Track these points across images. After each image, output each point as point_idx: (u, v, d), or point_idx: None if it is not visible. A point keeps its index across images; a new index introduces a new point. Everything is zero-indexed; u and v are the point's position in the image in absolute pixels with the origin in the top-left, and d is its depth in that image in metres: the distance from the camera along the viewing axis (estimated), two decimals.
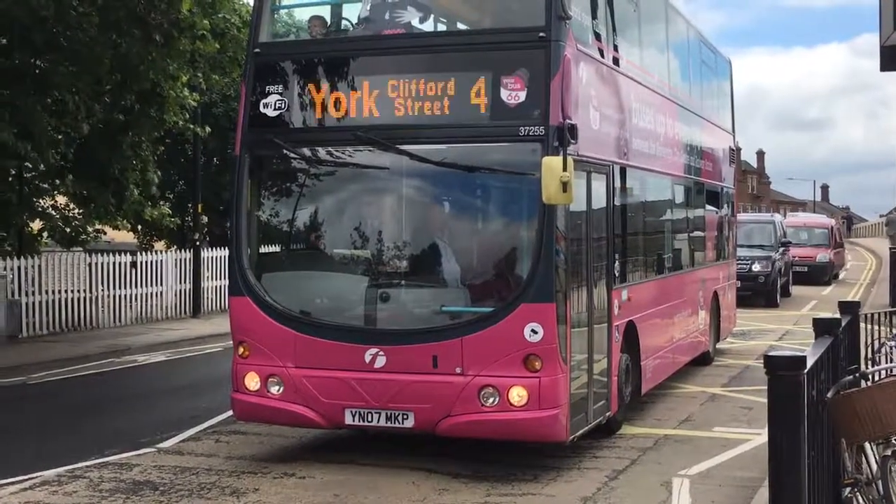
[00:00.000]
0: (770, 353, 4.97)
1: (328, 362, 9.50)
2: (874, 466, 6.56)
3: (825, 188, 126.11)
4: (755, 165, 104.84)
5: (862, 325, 9.50)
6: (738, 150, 41.63)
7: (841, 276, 37.87)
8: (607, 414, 10.55)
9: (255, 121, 10.08)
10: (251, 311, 9.85)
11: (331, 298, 10.10)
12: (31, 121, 18.52)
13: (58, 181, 22.14)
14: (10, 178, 21.06)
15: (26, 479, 9.34)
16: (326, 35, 10.60)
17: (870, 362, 9.83)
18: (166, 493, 8.87)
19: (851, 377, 7.02)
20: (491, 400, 9.10)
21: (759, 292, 26.51)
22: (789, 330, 21.10)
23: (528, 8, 9.70)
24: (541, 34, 9.26)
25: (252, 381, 9.84)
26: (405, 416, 9.34)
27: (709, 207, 16.65)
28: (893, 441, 6.49)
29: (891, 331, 10.62)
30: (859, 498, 6.93)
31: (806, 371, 5.07)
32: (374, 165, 9.90)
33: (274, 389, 9.75)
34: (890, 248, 29.77)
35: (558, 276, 9.15)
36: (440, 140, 9.58)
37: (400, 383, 9.28)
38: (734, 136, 19.40)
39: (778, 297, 27.63)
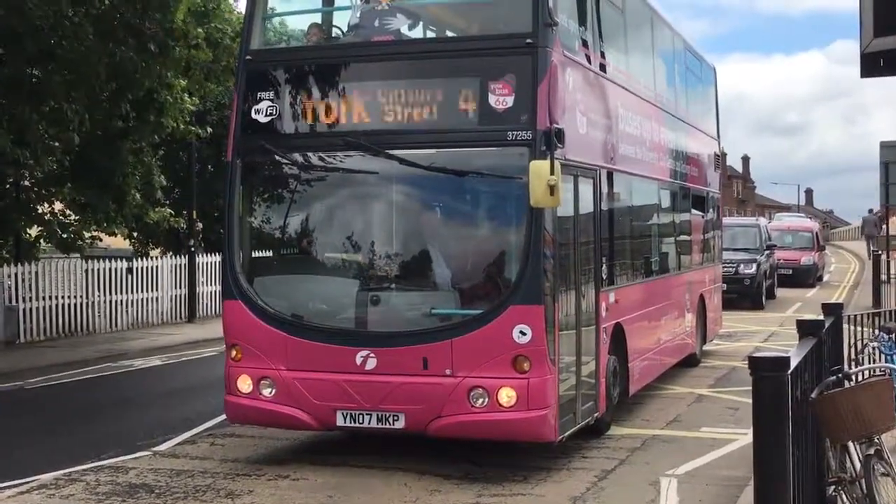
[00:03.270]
0: (755, 355, 4.95)
1: (319, 364, 9.44)
2: (857, 465, 6.52)
3: (809, 192, 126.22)
4: (740, 170, 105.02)
5: (845, 326, 9.50)
6: (724, 154, 41.70)
7: (825, 278, 37.86)
8: (595, 415, 10.51)
9: (247, 127, 10.02)
10: (243, 314, 9.79)
11: (322, 301, 10.05)
12: (26, 129, 18.43)
13: (55, 188, 22.06)
14: (8, 186, 21.00)
15: (24, 483, 9.27)
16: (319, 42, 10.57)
17: (853, 363, 9.81)
18: (162, 496, 8.81)
19: (835, 378, 6.98)
20: (480, 401, 9.04)
21: (744, 294, 26.46)
22: (774, 332, 21.08)
23: (516, 15, 9.66)
24: (528, 40, 9.22)
25: (245, 384, 9.77)
26: (396, 418, 9.28)
27: (695, 211, 16.63)
28: (876, 440, 6.46)
29: (873, 332, 10.59)
30: (843, 496, 6.90)
31: (790, 372, 5.05)
32: (365, 170, 9.87)
33: (266, 392, 9.68)
34: (871, 251, 29.77)
35: (546, 279, 9.10)
36: (429, 145, 9.52)
37: (390, 385, 9.22)
38: (719, 142, 19.40)
39: (763, 299, 27.55)
